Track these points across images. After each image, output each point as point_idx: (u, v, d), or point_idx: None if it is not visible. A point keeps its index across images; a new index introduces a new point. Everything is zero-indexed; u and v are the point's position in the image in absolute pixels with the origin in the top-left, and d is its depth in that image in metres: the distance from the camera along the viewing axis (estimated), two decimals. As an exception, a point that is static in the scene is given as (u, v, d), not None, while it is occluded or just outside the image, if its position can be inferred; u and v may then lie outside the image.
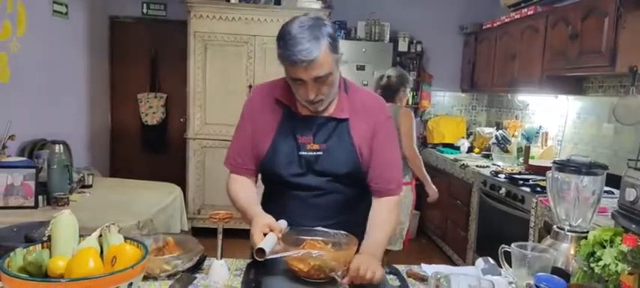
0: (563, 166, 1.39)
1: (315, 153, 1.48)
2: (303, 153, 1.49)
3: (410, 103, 5.17)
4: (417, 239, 4.79)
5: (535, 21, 3.72)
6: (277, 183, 1.55)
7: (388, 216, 1.51)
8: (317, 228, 1.44)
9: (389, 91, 3.20)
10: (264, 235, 1.34)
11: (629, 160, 1.80)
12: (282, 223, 1.46)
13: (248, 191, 1.57)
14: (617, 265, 1.19)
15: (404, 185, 3.04)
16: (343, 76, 1.57)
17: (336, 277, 1.26)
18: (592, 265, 1.23)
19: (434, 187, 3.39)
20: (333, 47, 1.37)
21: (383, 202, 1.52)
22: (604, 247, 1.23)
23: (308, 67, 1.33)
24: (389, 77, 3.27)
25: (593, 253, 1.24)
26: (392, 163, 1.56)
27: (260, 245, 1.25)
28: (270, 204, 1.56)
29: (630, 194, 1.63)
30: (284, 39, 1.35)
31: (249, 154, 1.56)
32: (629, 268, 1.19)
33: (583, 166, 1.36)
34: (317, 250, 1.31)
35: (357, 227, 1.47)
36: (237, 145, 1.60)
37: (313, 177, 1.50)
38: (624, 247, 1.20)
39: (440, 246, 4.49)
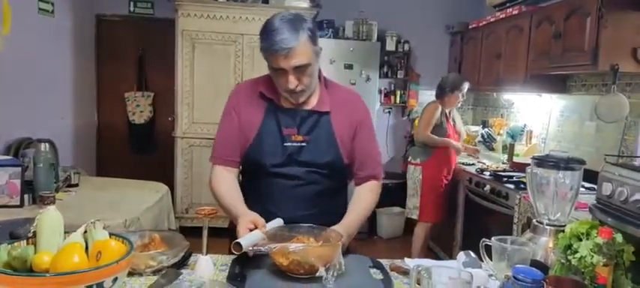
0: (542, 161, 1.43)
1: (299, 144, 1.56)
2: (288, 144, 1.56)
3: (397, 102, 5.24)
4: (403, 236, 4.84)
5: (520, 21, 3.77)
6: (259, 172, 1.61)
7: (368, 196, 1.65)
8: (309, 224, 1.47)
9: (439, 90, 3.81)
10: (250, 230, 1.38)
11: (606, 155, 1.84)
12: (278, 221, 1.49)
13: (232, 188, 1.61)
14: (592, 256, 1.22)
15: (413, 165, 3.80)
16: (323, 74, 1.65)
17: (322, 274, 1.27)
18: (569, 257, 1.26)
19: (457, 144, 3.85)
20: (312, 39, 1.47)
21: (365, 186, 1.66)
22: (580, 240, 1.27)
23: (288, 56, 1.42)
24: (444, 79, 3.87)
25: (570, 246, 1.27)
26: (372, 153, 1.69)
27: (238, 240, 1.29)
28: (251, 193, 1.62)
29: (606, 188, 1.67)
30: (266, 31, 1.45)
31: (235, 145, 1.62)
32: (604, 260, 1.22)
33: (561, 162, 1.40)
34: (302, 245, 1.32)
35: (334, 217, 1.54)
36: (222, 137, 1.65)
37: (294, 167, 1.57)
38: (600, 240, 1.24)
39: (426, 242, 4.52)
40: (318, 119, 1.58)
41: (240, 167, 1.67)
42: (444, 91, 3.78)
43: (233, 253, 1.32)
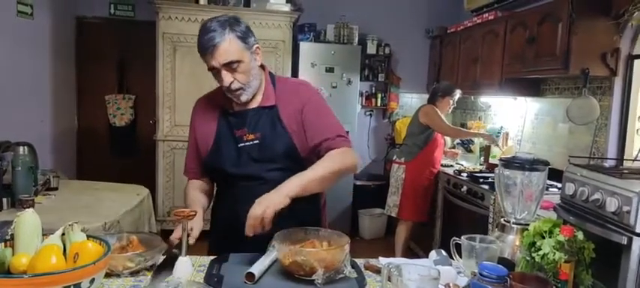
0: (508, 162, 1.48)
1: (252, 142, 1.61)
2: (242, 144, 1.61)
3: (378, 104, 5.30)
4: (385, 237, 4.90)
5: (496, 25, 3.86)
6: (223, 178, 1.69)
7: (332, 155, 1.55)
8: (313, 228, 1.48)
9: (431, 95, 4.00)
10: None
11: (571, 156, 1.92)
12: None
13: (193, 194, 1.71)
14: (554, 254, 1.28)
15: (397, 164, 3.88)
16: (273, 73, 1.72)
17: (316, 281, 1.30)
18: (533, 254, 1.32)
19: (486, 135, 4.17)
20: (242, 38, 1.52)
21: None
22: (544, 238, 1.33)
23: (214, 53, 1.49)
24: (437, 85, 4.14)
25: (533, 243, 1.33)
26: (326, 126, 1.61)
27: (250, 269, 1.32)
28: (222, 200, 1.73)
29: (570, 188, 1.74)
30: (199, 33, 1.52)
31: (198, 159, 1.72)
32: (566, 257, 1.28)
33: (526, 163, 1.46)
34: (312, 249, 1.36)
35: (307, 213, 1.56)
36: (188, 153, 1.79)
37: (254, 167, 1.60)
38: (562, 237, 1.30)
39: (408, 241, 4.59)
40: (266, 114, 1.62)
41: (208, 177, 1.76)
42: (436, 97, 3.91)
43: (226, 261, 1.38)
